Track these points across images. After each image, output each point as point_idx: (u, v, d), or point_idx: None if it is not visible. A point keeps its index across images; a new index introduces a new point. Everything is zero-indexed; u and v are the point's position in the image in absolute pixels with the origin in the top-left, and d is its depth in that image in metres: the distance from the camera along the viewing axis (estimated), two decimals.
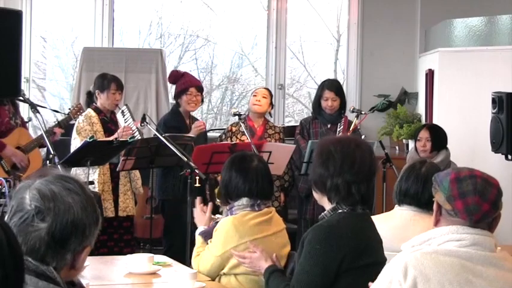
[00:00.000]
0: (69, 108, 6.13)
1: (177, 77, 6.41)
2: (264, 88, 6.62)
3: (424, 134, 6.10)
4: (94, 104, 6.09)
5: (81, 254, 1.88)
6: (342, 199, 3.00)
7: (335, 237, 2.94)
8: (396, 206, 3.77)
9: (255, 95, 6.39)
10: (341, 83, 7.03)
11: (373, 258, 2.98)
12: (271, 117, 6.67)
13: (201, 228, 3.98)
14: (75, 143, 5.85)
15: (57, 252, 1.83)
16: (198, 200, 4.10)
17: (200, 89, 6.36)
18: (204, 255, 3.78)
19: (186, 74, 6.57)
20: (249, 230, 3.69)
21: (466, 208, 2.40)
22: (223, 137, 6.35)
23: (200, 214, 4.03)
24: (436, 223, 2.47)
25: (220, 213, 4.21)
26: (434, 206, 2.48)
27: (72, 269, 1.88)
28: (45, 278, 1.80)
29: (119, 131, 5.87)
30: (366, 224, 3.08)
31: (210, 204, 4.11)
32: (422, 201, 3.65)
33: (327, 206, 3.05)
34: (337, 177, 2.98)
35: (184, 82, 6.32)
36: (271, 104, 6.47)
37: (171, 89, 7.59)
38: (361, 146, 3.05)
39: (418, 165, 3.75)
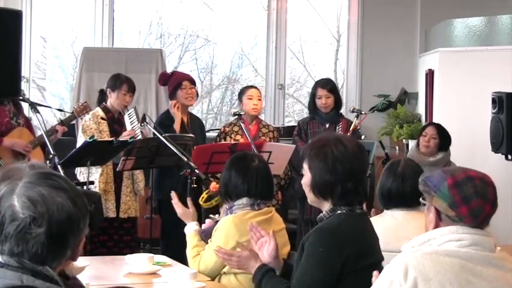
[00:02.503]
0: (74, 107, 6.15)
1: (167, 78, 6.40)
2: (255, 88, 6.53)
3: (430, 131, 6.07)
4: (104, 103, 6.11)
5: (79, 247, 1.89)
6: (347, 202, 2.96)
7: (337, 240, 2.93)
8: (384, 210, 3.76)
9: (250, 98, 6.31)
10: (337, 82, 7.04)
11: (373, 258, 2.97)
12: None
13: (192, 225, 3.97)
14: (80, 140, 5.87)
15: (57, 252, 1.83)
16: (188, 200, 4.11)
17: (193, 82, 6.37)
18: (205, 255, 3.77)
19: (175, 72, 6.59)
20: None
21: (471, 212, 2.39)
22: (218, 139, 6.33)
23: (184, 210, 4.02)
24: (436, 228, 2.46)
25: (219, 213, 4.21)
26: (433, 212, 2.46)
27: (69, 259, 1.89)
28: (42, 276, 1.80)
29: (123, 133, 5.87)
30: (366, 225, 3.07)
31: (189, 199, 4.14)
32: (406, 199, 3.65)
33: (325, 207, 3.03)
34: (347, 182, 2.93)
35: (175, 78, 6.33)
36: None
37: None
38: (358, 144, 3.04)
39: (395, 165, 3.76)
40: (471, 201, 2.40)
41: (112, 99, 6.06)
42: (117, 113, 6.11)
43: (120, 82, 6.05)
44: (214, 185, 5.37)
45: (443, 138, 6.06)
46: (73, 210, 1.83)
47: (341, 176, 2.92)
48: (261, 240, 3.32)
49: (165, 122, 6.22)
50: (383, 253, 3.07)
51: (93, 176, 5.85)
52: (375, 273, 2.51)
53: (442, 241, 2.40)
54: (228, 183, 3.81)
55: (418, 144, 6.14)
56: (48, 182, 1.83)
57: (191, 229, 3.95)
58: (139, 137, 5.81)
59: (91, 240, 5.84)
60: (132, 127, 5.93)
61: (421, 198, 2.54)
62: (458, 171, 2.46)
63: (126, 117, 6.03)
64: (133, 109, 6.03)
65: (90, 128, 5.94)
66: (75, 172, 5.96)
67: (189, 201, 4.08)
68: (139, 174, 6.14)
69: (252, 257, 3.29)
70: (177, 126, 6.13)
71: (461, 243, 2.38)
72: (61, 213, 1.81)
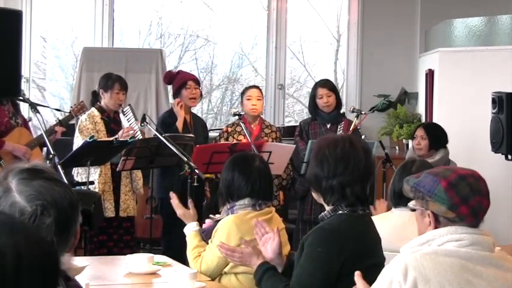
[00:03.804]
0: (71, 107, 6.16)
1: (172, 76, 6.41)
2: (255, 88, 6.53)
3: (419, 132, 6.13)
4: (98, 103, 6.12)
5: (77, 235, 1.90)
6: (337, 200, 3.00)
7: (337, 240, 2.94)
8: (393, 208, 3.78)
9: (249, 99, 6.31)
10: (336, 82, 7.05)
11: (373, 259, 2.97)
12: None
13: (191, 225, 3.96)
14: (78, 141, 5.88)
15: (65, 240, 1.85)
16: (189, 202, 4.10)
17: (197, 82, 6.38)
18: (206, 255, 3.76)
19: (181, 71, 6.60)
20: (250, 229, 3.67)
21: (471, 211, 2.40)
22: (220, 139, 6.33)
23: (185, 211, 4.01)
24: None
25: (219, 213, 4.20)
26: (429, 217, 2.45)
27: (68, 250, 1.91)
28: None
29: (120, 131, 5.87)
30: (367, 226, 3.08)
31: (190, 200, 4.13)
32: None
33: (326, 205, 3.05)
34: (332, 179, 2.99)
35: (181, 78, 6.34)
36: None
37: (171, 89, 7.60)
38: (357, 146, 3.04)
39: (409, 164, 3.79)
40: (469, 199, 2.40)
41: (106, 100, 6.07)
42: (112, 112, 6.12)
43: (112, 82, 6.07)
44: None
45: (434, 138, 6.06)
46: (72, 197, 1.86)
47: (325, 172, 3.00)
48: (265, 236, 3.35)
49: (167, 120, 6.23)
50: (385, 253, 3.07)
51: (91, 177, 5.85)
52: (357, 273, 2.49)
53: (441, 242, 2.39)
54: (231, 185, 3.80)
55: (413, 147, 6.19)
56: (41, 175, 1.86)
57: (191, 229, 3.94)
58: (138, 133, 5.82)
59: (91, 240, 5.85)
60: (129, 124, 5.94)
61: (410, 204, 2.53)
62: (447, 172, 2.45)
63: (122, 116, 6.05)
64: (128, 107, 6.05)
65: (87, 128, 5.95)
66: (73, 173, 5.96)
67: (190, 203, 4.07)
68: (137, 173, 6.15)
69: (254, 254, 3.32)
70: (179, 124, 6.14)
71: (461, 243, 2.38)
72: (64, 200, 1.84)
